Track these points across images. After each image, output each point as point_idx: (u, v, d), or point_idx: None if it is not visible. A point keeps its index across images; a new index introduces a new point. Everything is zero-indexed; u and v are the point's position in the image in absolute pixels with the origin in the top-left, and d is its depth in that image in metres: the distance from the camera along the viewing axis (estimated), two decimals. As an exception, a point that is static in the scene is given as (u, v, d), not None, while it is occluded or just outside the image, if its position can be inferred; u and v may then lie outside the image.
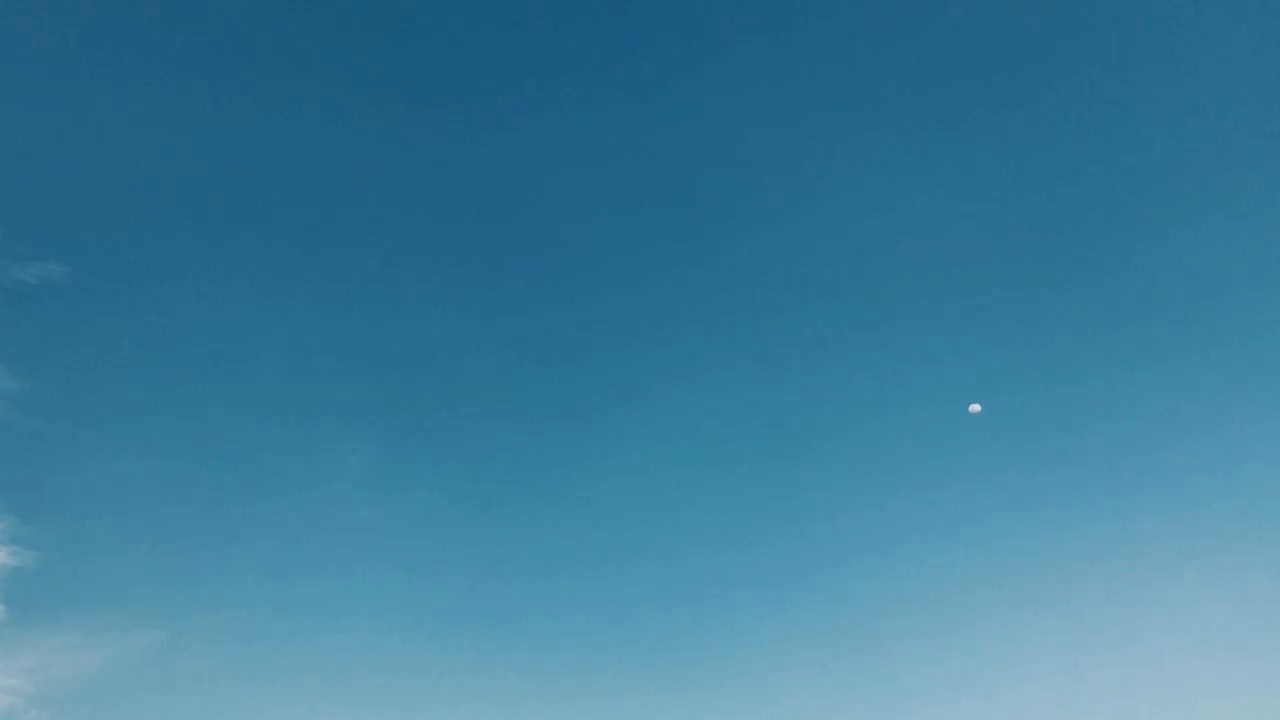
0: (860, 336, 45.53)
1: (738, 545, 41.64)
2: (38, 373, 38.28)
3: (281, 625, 37.26)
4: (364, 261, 46.05)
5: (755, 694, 36.19)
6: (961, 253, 45.53)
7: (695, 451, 44.42)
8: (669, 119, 48.85)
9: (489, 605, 40.02)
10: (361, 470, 42.25)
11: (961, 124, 46.58)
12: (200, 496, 39.21)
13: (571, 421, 45.36)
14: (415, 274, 46.67)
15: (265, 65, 45.20)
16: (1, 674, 32.57)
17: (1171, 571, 36.49)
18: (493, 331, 46.69)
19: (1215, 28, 43.24)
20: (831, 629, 38.37)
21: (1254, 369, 40.22)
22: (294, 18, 46.29)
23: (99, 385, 39.84)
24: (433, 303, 46.52)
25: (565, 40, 48.72)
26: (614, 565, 41.41)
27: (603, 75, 48.74)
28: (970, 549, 39.17)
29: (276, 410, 42.26)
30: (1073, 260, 44.43)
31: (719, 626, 39.19)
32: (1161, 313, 42.67)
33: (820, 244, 47.74)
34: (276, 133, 45.68)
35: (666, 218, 48.39)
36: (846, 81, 48.12)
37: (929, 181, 46.77)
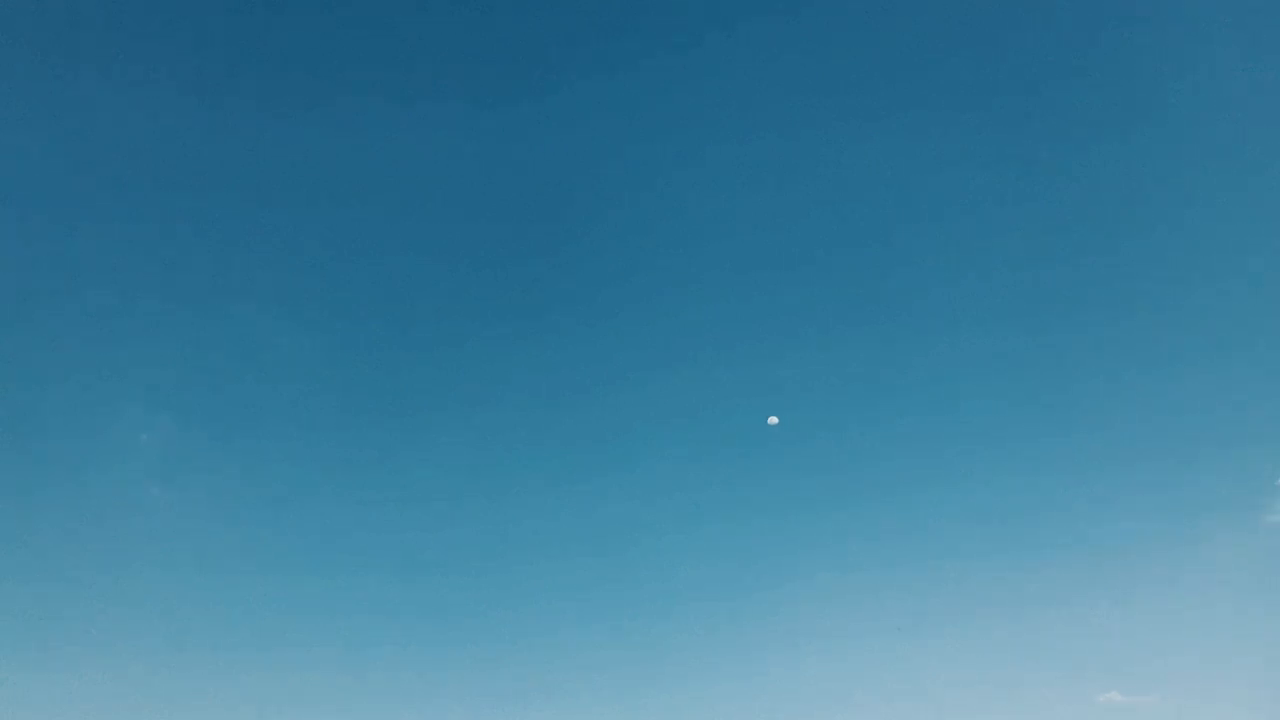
0: (664, 345, 45.38)
1: (549, 551, 40.83)
2: None
3: (51, 622, 33.74)
4: (168, 236, 42.65)
5: (556, 699, 35.37)
6: (767, 260, 46.05)
7: (506, 456, 43.16)
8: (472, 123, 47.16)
9: (289, 599, 37.38)
10: (153, 449, 38.28)
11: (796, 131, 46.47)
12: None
13: (386, 414, 43.14)
14: (223, 244, 43.43)
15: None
16: None
17: (956, 581, 37.63)
18: (309, 313, 43.93)
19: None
20: (638, 633, 38.19)
21: (1031, 372, 42.01)
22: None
23: None
24: (242, 280, 43.22)
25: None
26: (420, 566, 39.59)
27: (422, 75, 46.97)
28: (768, 555, 39.83)
29: (49, 376, 37.84)
30: (871, 271, 45.16)
31: (530, 633, 38.15)
32: (955, 324, 43.48)
33: (630, 252, 47.37)
34: (69, 106, 41.80)
35: (490, 220, 47.16)
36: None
37: (732, 185, 46.96)
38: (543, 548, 40.52)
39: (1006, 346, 42.73)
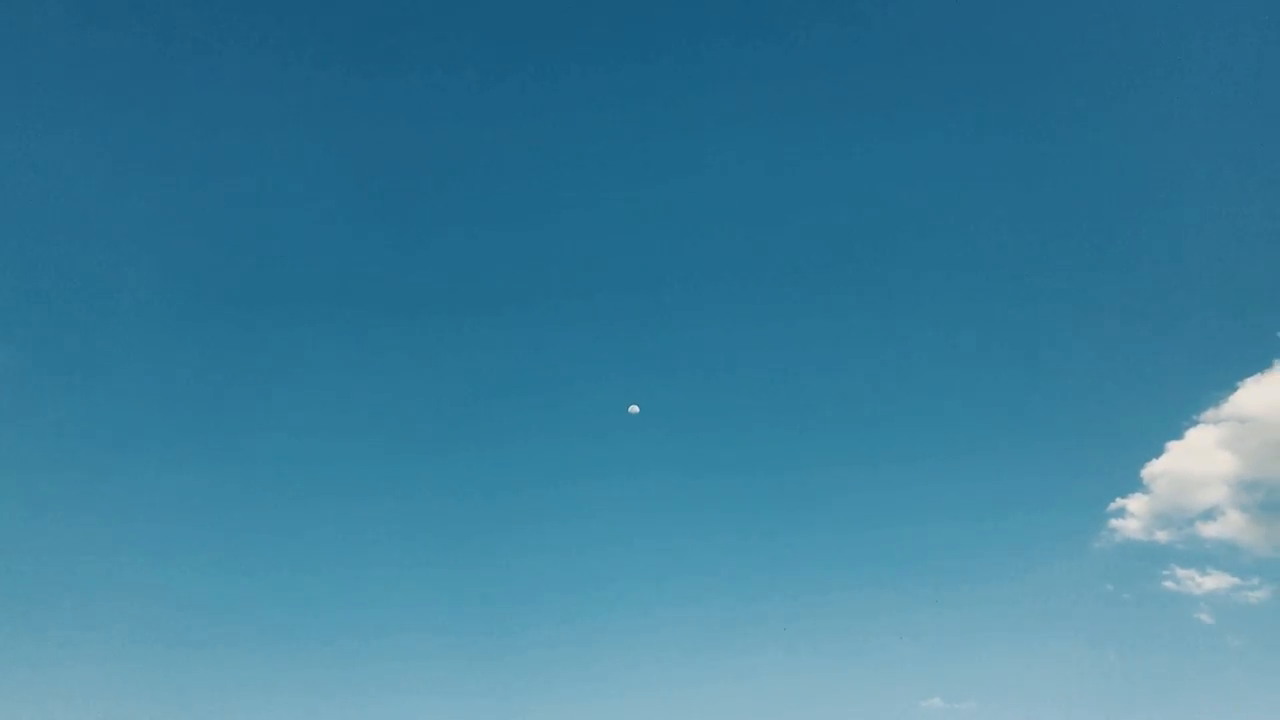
0: (525, 334, 45.54)
1: (391, 552, 39.86)
2: None
3: None
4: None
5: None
6: (627, 255, 46.89)
7: (351, 448, 42.34)
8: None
9: (121, 546, 36.28)
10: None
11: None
12: None
13: (233, 381, 42.17)
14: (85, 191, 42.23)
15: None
16: None
17: (784, 593, 38.53)
18: (156, 251, 42.92)
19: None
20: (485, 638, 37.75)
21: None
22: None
23: None
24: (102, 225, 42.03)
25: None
26: (257, 561, 38.63)
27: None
28: (619, 545, 40.28)
29: None
30: (738, 265, 45.99)
31: (369, 633, 37.51)
32: (828, 320, 44.60)
33: (493, 244, 47.42)
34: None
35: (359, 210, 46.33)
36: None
37: (598, 182, 47.58)
38: (386, 548, 39.88)
39: (842, 373, 43.90)
